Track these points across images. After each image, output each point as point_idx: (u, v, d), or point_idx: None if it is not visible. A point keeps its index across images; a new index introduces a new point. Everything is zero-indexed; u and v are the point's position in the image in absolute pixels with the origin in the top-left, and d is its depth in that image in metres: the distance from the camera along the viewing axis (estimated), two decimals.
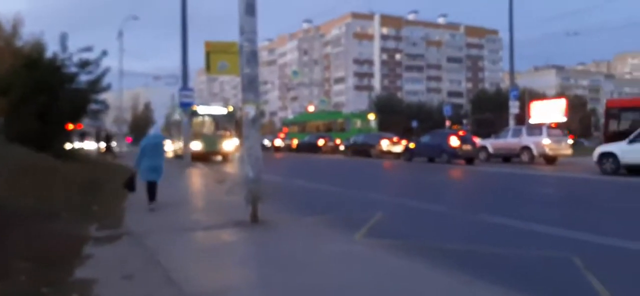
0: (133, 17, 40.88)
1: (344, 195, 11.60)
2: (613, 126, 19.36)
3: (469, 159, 22.78)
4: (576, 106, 53.95)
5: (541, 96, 52.68)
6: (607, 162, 16.44)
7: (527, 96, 41.44)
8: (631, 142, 16.47)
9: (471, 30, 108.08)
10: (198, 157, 23.71)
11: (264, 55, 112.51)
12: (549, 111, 29.17)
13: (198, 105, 26.71)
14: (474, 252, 6.10)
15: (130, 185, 9.71)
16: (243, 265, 5.58)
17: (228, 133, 26.72)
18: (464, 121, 56.99)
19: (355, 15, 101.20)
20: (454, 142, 22.48)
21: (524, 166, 21.05)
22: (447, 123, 36.17)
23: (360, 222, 7.71)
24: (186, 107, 22.39)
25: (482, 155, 24.15)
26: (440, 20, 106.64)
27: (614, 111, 20.13)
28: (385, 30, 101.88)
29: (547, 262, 5.60)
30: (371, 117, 39.27)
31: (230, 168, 21.61)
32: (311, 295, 4.46)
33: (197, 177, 17.42)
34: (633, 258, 5.81)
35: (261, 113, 15.79)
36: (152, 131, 11.19)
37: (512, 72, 31.42)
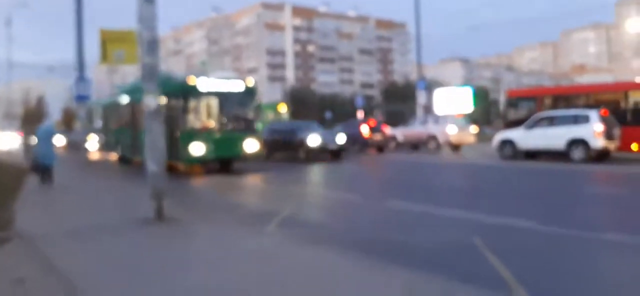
0: (22, 5, 37.30)
1: (259, 188, 11.88)
2: (512, 114, 20.31)
3: (380, 148, 23.38)
4: (479, 96, 56.85)
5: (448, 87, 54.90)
6: (506, 148, 17.50)
7: (435, 87, 42.90)
8: (527, 128, 17.44)
9: (381, 23, 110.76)
10: (185, 168, 15.05)
11: (169, 45, 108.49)
12: (455, 100, 30.39)
13: (193, 76, 15.08)
14: (381, 239, 6.21)
15: (35, 169, 12.42)
16: (140, 264, 5.23)
17: (249, 124, 15.67)
18: (375, 111, 58.18)
19: (266, 5, 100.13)
20: (365, 131, 22.80)
21: (431, 154, 21.77)
22: (359, 113, 36.53)
23: (272, 215, 7.66)
24: (82, 100, 19.15)
25: (391, 144, 24.69)
26: (351, 13, 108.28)
27: (513, 100, 21.14)
28: (297, 22, 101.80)
29: (450, 244, 5.83)
30: (282, 108, 39.01)
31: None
32: (212, 294, 4.24)
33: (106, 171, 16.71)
34: (526, 236, 6.20)
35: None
36: (46, 124, 14.35)
37: (419, 64, 32.44)
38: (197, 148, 14.20)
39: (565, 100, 19.98)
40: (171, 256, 5.47)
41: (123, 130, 19.64)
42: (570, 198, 9.63)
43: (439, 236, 6.28)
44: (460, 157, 20.30)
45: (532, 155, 17.42)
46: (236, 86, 15.65)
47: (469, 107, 29.89)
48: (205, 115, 15.01)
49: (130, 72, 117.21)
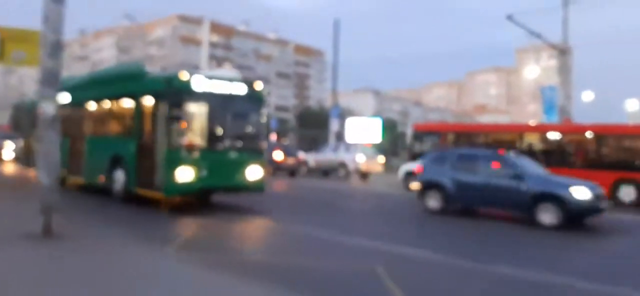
0: None
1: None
2: (417, 147, 21.12)
3: (292, 172, 23.41)
4: (388, 128, 58.93)
5: (360, 116, 56.40)
6: (410, 179, 18.14)
7: (348, 115, 43.88)
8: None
9: (300, 49, 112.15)
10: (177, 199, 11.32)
11: (75, 50, 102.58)
12: (365, 130, 31.27)
13: (186, 71, 11.19)
14: (284, 264, 6.15)
15: None
16: (9, 281, 4.81)
17: (254, 142, 12.04)
18: (289, 135, 58.38)
19: (183, 18, 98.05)
20: (278, 156, 22.66)
21: (340, 181, 22.05)
22: (272, 136, 36.41)
23: (173, 236, 7.61)
24: None
25: (303, 169, 24.67)
26: (271, 35, 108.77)
27: (419, 134, 22.09)
28: (214, 38, 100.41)
29: (352, 272, 5.86)
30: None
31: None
32: None
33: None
34: (427, 266, 6.44)
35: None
36: None
37: (334, 92, 33.11)
38: (185, 173, 10.38)
39: (466, 137, 21.17)
40: (47, 274, 5.11)
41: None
42: (468, 231, 10.08)
43: (342, 263, 6.31)
44: (368, 185, 20.76)
45: None
46: (239, 89, 11.68)
47: (378, 137, 30.85)
48: (198, 127, 10.98)
49: (29, 75, 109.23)
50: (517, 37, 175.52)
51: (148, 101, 11.44)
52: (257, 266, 5.89)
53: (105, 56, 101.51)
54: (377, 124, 31.71)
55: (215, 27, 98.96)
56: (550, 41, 32.85)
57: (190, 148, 10.62)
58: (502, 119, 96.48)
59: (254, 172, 11.46)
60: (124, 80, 13.09)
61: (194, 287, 4.84)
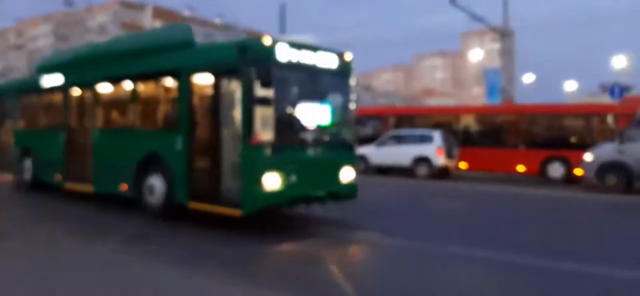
0: None
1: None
2: (363, 132, 21.42)
3: None
4: None
5: None
6: (360, 163, 18.46)
7: None
8: (378, 145, 18.65)
9: (249, 34, 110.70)
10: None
11: (10, 38, 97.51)
12: (317, 115, 31.47)
13: (269, 36, 8.18)
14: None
15: None
16: None
17: (345, 132, 9.67)
18: None
19: (124, 4, 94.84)
20: None
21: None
22: None
23: (116, 231, 7.96)
24: None
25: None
26: (217, 21, 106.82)
27: (362, 119, 22.36)
28: (158, 23, 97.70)
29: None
30: None
31: None
32: None
33: None
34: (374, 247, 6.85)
35: None
36: None
37: None
38: (272, 180, 7.84)
39: (407, 120, 21.65)
40: None
41: (43, 134, 13.10)
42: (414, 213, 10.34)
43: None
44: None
45: (384, 170, 18.58)
46: (329, 61, 9.07)
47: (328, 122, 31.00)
48: (281, 114, 8.28)
49: None
50: (461, 21, 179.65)
51: (204, 79, 8.79)
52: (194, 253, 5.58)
53: (42, 44, 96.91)
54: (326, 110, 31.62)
55: (159, 12, 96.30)
56: (492, 24, 33.84)
57: (277, 144, 7.88)
58: (448, 102, 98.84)
59: (347, 174, 9.18)
60: (161, 52, 9.78)
61: (133, 278, 4.79)
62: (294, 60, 8.34)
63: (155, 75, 9.89)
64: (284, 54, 8.16)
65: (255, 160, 7.74)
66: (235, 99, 8.21)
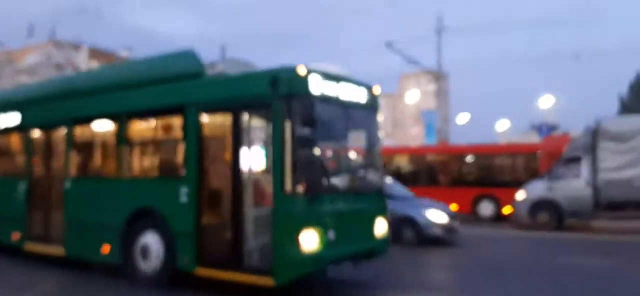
0: None
1: None
2: None
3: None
4: None
5: None
6: None
7: None
8: None
9: None
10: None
11: None
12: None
13: (303, 65, 6.94)
14: None
15: None
16: None
17: (376, 176, 8.67)
18: None
19: (59, 45, 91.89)
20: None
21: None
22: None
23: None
24: None
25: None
26: None
27: None
28: (94, 63, 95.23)
29: None
30: None
31: None
32: None
33: None
34: None
35: None
36: None
37: None
38: (311, 239, 6.57)
39: None
40: None
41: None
42: None
43: None
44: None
45: None
46: (359, 94, 7.97)
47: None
48: (321, 154, 7.32)
49: None
50: (399, 64, 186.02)
51: (219, 115, 7.75)
52: None
53: None
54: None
55: (95, 53, 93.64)
56: (427, 67, 35.11)
57: (315, 193, 6.63)
58: (388, 142, 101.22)
59: (381, 226, 8.02)
60: (159, 84, 8.36)
61: None
62: (328, 94, 7.17)
63: (151, 112, 8.44)
64: (319, 85, 7.03)
65: (292, 214, 6.41)
66: (262, 139, 7.42)
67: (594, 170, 16.86)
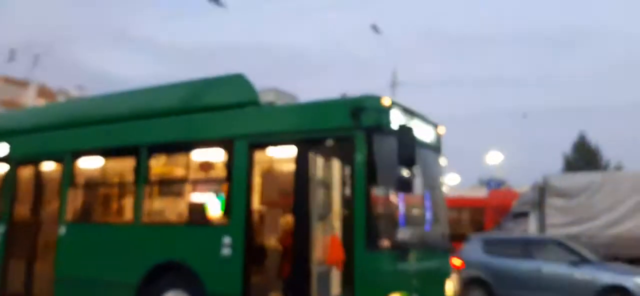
0: None
1: None
2: None
3: None
4: None
5: None
6: None
7: None
8: None
9: None
10: None
11: None
12: None
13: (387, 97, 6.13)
14: None
15: None
16: None
17: (445, 224, 7.91)
18: None
19: (8, 81, 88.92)
20: None
21: None
22: None
23: None
24: None
25: None
26: None
27: None
28: (42, 102, 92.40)
29: None
30: None
31: None
32: None
33: None
34: None
35: None
36: None
37: None
38: None
39: None
40: None
41: None
42: None
43: None
44: None
45: None
46: (428, 133, 7.30)
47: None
48: (403, 202, 6.36)
49: None
50: None
51: (275, 151, 6.94)
52: None
53: None
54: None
55: (44, 91, 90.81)
56: None
57: (402, 249, 5.64)
58: None
59: (451, 286, 7.07)
60: (198, 112, 7.48)
61: None
62: (407, 131, 6.12)
63: (183, 146, 7.39)
64: (400, 119, 6.16)
65: (378, 274, 5.35)
66: (329, 179, 6.05)
67: (541, 225, 17.27)
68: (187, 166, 7.62)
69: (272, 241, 6.66)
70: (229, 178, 6.87)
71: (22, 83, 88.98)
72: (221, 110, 7.43)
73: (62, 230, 7.96)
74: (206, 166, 7.61)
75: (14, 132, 9.45)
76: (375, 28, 30.51)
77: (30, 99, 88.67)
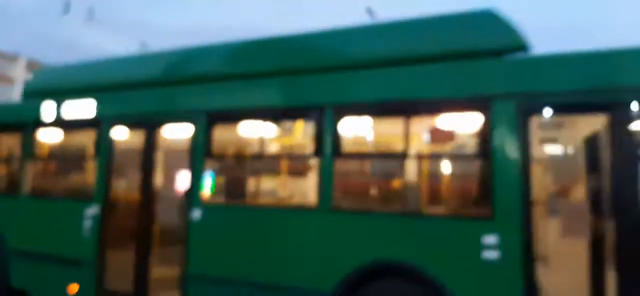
0: None
1: None
2: None
3: None
4: None
5: None
6: None
7: None
8: None
9: None
10: None
11: None
12: None
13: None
14: None
15: None
16: None
17: None
18: None
19: None
20: None
21: None
22: None
23: None
24: None
25: None
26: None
27: None
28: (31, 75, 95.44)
29: None
30: None
31: None
32: None
33: None
34: None
35: None
36: None
37: None
38: None
39: None
40: None
41: (38, 206, 7.35)
42: None
43: None
44: None
45: None
46: None
47: None
48: None
49: None
50: None
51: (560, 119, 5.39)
52: None
53: None
54: None
55: (33, 65, 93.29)
56: None
57: None
58: None
59: None
60: (436, 62, 5.27)
61: None
62: None
63: (407, 106, 5.02)
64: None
65: None
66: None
67: None
68: (408, 135, 5.17)
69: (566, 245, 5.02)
70: (485, 152, 4.79)
71: (11, 58, 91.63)
72: (468, 58, 5.22)
73: (196, 213, 6.02)
74: (444, 135, 5.45)
75: (105, 86, 7.45)
76: (369, 11, 28.55)
77: (19, 72, 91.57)
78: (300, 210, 5.50)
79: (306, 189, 6.89)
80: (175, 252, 6.88)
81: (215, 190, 6.91)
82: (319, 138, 5.52)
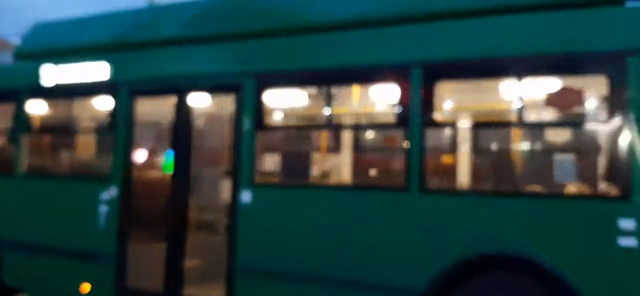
0: None
1: None
2: None
3: None
4: None
5: None
6: None
7: None
8: None
9: None
10: None
11: None
12: None
13: None
14: None
15: None
16: None
17: None
18: None
19: None
20: None
21: None
22: None
23: None
24: None
25: None
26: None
27: None
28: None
29: None
30: None
31: None
32: None
33: None
34: None
35: None
36: None
37: None
38: None
39: None
40: None
41: (46, 188, 6.10)
42: None
43: None
44: None
45: None
46: None
47: None
48: None
49: None
50: None
51: None
52: None
53: None
54: None
55: (3, 45, 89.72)
56: None
57: None
58: None
59: None
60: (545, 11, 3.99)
61: None
62: None
63: (510, 64, 3.93)
64: None
65: None
66: None
67: None
68: (521, 99, 4.03)
69: None
70: (620, 117, 3.74)
71: None
72: (579, 7, 4.04)
73: (246, 196, 4.93)
74: (569, 98, 4.17)
75: (123, 44, 6.05)
76: None
77: None
78: (385, 192, 4.53)
79: (395, 169, 5.20)
80: (217, 242, 5.49)
81: (266, 170, 5.46)
82: (404, 105, 4.34)
